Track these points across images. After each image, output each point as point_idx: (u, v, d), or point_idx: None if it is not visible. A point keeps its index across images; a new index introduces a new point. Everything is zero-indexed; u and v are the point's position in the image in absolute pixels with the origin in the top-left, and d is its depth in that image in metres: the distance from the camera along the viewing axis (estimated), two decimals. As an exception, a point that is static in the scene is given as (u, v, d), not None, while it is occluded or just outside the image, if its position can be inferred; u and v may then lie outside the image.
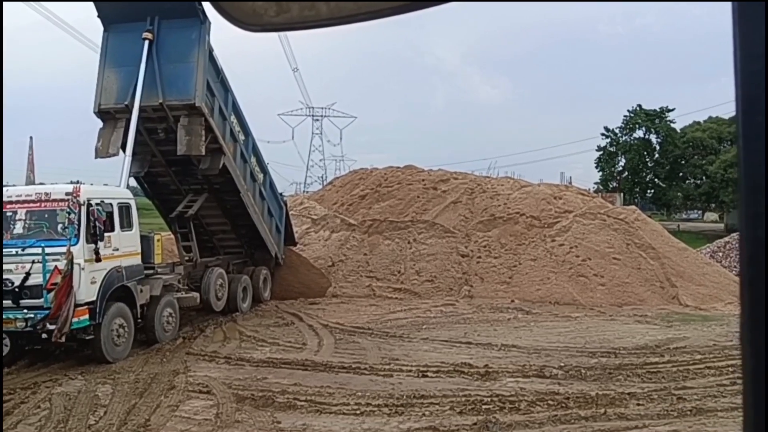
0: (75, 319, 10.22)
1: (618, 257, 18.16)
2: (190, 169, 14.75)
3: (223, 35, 14.44)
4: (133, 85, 13.11)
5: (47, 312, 10.06)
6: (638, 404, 8.43)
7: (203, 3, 13.19)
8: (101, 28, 13.73)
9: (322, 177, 77.47)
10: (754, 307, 0.70)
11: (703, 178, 53.61)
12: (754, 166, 0.69)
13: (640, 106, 57.23)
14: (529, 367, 10.26)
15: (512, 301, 17.04)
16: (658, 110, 56.54)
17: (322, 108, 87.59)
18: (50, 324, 10.10)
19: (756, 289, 0.70)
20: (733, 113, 0.73)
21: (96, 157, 13.43)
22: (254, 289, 16.68)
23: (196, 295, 14.10)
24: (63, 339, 10.14)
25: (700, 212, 69.06)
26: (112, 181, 13.26)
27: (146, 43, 13.23)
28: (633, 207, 23.28)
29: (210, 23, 13.55)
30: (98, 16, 13.57)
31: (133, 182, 14.48)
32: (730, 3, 0.70)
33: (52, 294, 10.15)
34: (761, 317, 0.69)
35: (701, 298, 16.93)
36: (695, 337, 12.63)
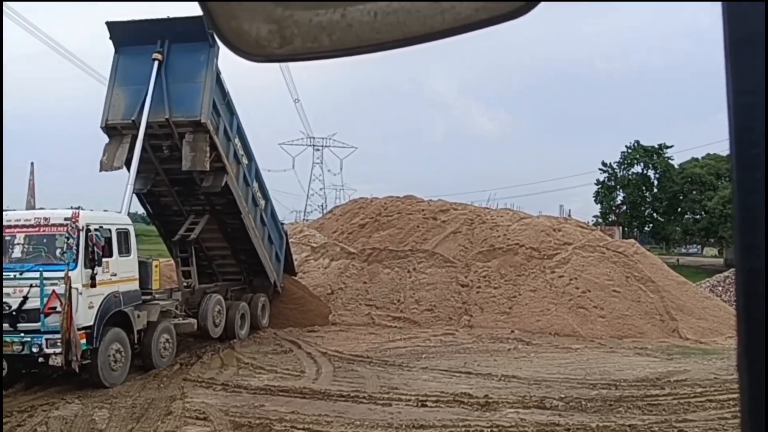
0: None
1: (618, 290, 18.11)
2: (192, 189, 14.88)
3: (227, 69, 14.70)
4: (141, 102, 13.33)
5: (59, 337, 10.08)
6: (638, 438, 8.36)
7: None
8: (104, 57, 14.01)
9: (322, 206, 77.39)
10: (751, 336, 0.72)
11: (702, 213, 53.62)
12: (749, 195, 0.72)
13: (638, 141, 57.63)
14: (529, 398, 10.19)
15: (512, 331, 16.95)
16: (657, 146, 56.88)
17: (323, 138, 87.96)
18: (48, 349, 10.10)
19: (752, 319, 0.72)
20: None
21: (100, 171, 13.58)
22: (252, 316, 16.60)
23: (194, 321, 14.06)
24: (78, 364, 10.18)
25: (699, 247, 68.92)
26: (113, 208, 13.30)
27: (156, 63, 13.49)
28: (632, 240, 23.24)
29: (219, 48, 13.80)
30: (110, 38, 13.83)
31: (134, 208, 14.54)
32: (722, 39, 0.73)
33: (51, 318, 10.16)
34: (758, 346, 0.71)
35: (701, 332, 16.84)
36: (696, 370, 12.55)
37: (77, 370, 10.33)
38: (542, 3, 0.85)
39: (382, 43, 0.83)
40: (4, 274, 10.41)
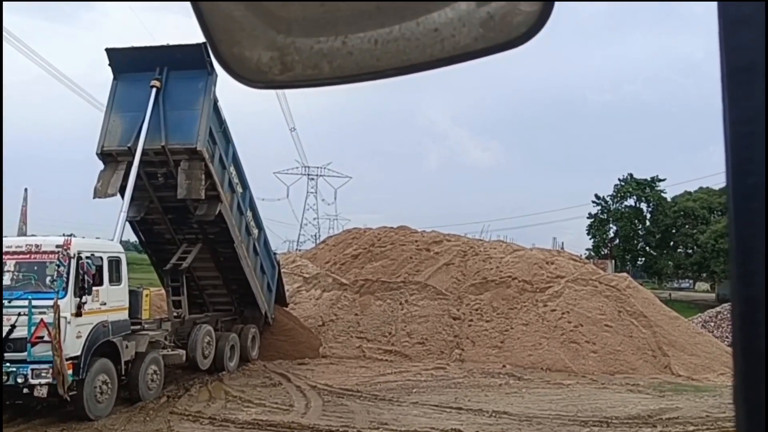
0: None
1: (610, 324, 18.07)
2: (185, 217, 14.87)
3: (224, 96, 14.77)
4: (138, 129, 13.37)
5: (45, 368, 9.95)
6: (631, 476, 8.26)
7: (211, 56, 13.58)
8: (101, 83, 14.07)
9: (315, 235, 77.40)
10: (748, 367, 0.71)
11: (694, 247, 53.88)
12: (746, 225, 0.72)
13: (631, 175, 57.96)
14: (520, 435, 10.08)
15: (504, 366, 16.84)
16: (649, 180, 57.27)
17: (318, 167, 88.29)
18: (33, 379, 9.94)
19: (749, 349, 0.71)
20: (723, 184, 0.76)
21: (94, 197, 13.54)
22: (242, 347, 16.42)
23: (182, 352, 13.88)
24: (66, 395, 10.05)
25: (691, 281, 69.13)
26: (104, 235, 13.24)
27: (153, 90, 13.57)
28: (624, 274, 23.31)
29: (217, 75, 13.97)
30: (109, 65, 13.92)
31: (125, 236, 14.46)
32: (716, 71, 0.74)
33: (38, 348, 10.02)
34: (755, 377, 0.70)
35: (693, 368, 16.79)
36: (688, 407, 12.47)
37: (68, 399, 10.16)
38: (538, 34, 0.85)
39: (382, 70, 0.83)
40: None
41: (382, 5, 0.81)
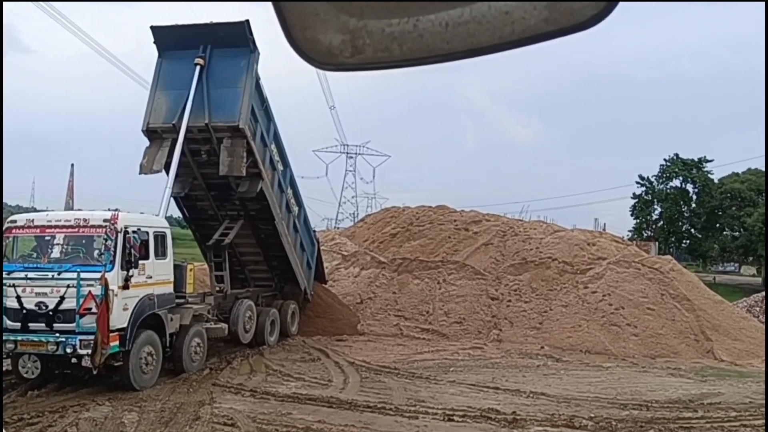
0: (109, 346, 10.35)
1: (652, 307, 17.80)
2: (228, 193, 15.08)
3: (264, 74, 14.81)
4: (182, 107, 13.54)
5: (93, 338, 10.22)
6: (671, 461, 8.18)
7: (253, 34, 13.81)
8: (146, 61, 14.26)
9: (353, 214, 77.89)
10: None
11: (741, 230, 52.40)
12: None
13: (677, 155, 56.43)
14: (558, 417, 10.04)
15: (542, 347, 16.76)
16: (696, 160, 55.73)
17: (357, 146, 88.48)
18: (81, 349, 10.23)
19: None
20: None
21: (140, 173, 13.80)
22: (282, 323, 16.68)
23: (225, 326, 14.15)
24: (99, 367, 10.30)
25: (736, 265, 67.45)
26: (146, 211, 13.48)
27: (197, 68, 13.71)
28: (668, 257, 22.85)
29: (259, 53, 14.04)
30: (154, 42, 14.09)
31: (169, 211, 14.72)
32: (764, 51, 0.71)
33: (86, 319, 10.30)
34: None
35: (737, 354, 16.46)
36: (730, 393, 12.26)
37: (94, 372, 10.41)
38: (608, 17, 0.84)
39: (452, 53, 0.83)
40: (43, 273, 10.65)
41: None
